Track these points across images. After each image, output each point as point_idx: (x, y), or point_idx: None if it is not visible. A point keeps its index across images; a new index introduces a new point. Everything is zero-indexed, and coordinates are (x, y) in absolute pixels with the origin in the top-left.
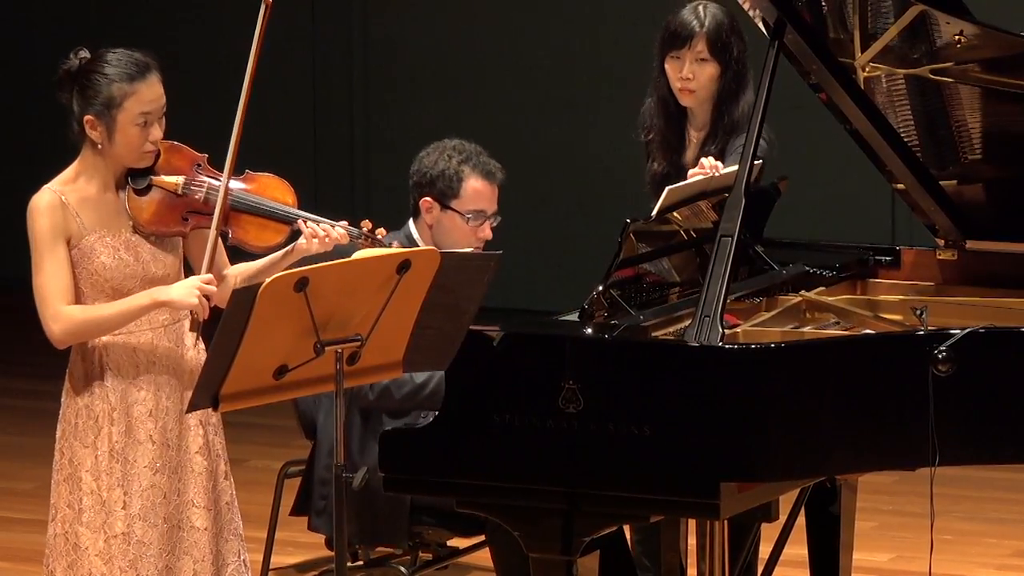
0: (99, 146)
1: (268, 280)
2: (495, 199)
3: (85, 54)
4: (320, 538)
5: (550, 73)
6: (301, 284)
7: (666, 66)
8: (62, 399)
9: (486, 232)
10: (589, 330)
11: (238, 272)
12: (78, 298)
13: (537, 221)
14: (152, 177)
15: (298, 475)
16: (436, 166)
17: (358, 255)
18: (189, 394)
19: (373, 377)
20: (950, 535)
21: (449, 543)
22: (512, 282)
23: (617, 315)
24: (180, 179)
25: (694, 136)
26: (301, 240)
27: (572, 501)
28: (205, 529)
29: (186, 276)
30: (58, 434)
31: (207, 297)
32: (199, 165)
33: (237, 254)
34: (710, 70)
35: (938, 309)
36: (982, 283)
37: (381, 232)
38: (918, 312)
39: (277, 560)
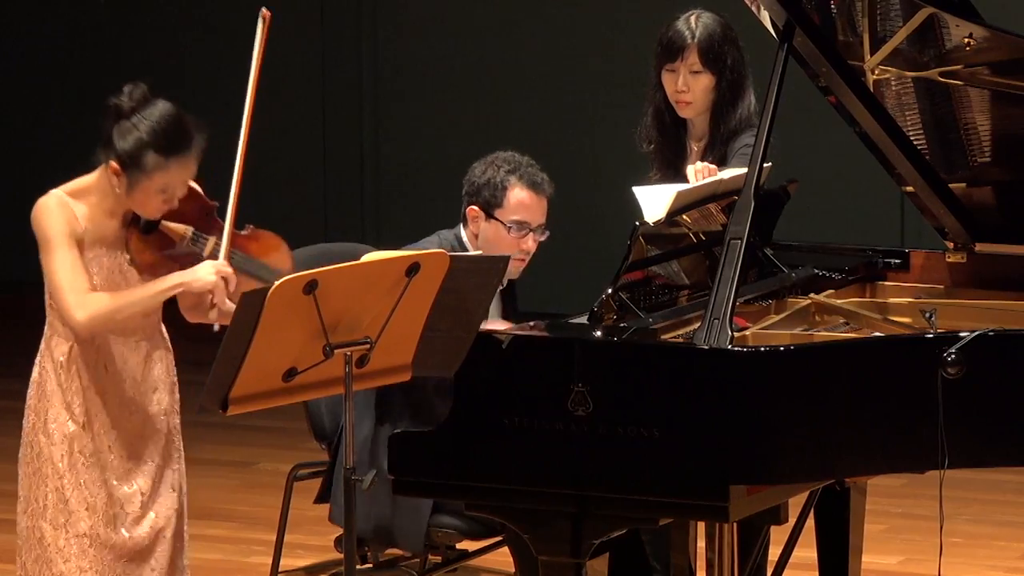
0: (117, 190)
1: (277, 283)
2: (542, 212)
3: (142, 92)
4: (330, 540)
5: (558, 80)
6: (310, 287)
7: (663, 78)
8: (30, 392)
9: (528, 244)
10: (598, 333)
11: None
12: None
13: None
14: (162, 221)
15: (308, 477)
16: (484, 175)
17: (367, 258)
18: (156, 406)
19: (382, 380)
20: (959, 538)
21: (459, 545)
22: (521, 284)
23: (626, 318)
24: (189, 230)
25: (695, 147)
26: None
27: (581, 504)
28: (170, 537)
29: (169, 311)
30: (28, 427)
31: (225, 280)
32: (208, 215)
33: None
34: (705, 81)
35: (947, 312)
36: (991, 286)
37: None
38: (927, 315)
39: (287, 563)
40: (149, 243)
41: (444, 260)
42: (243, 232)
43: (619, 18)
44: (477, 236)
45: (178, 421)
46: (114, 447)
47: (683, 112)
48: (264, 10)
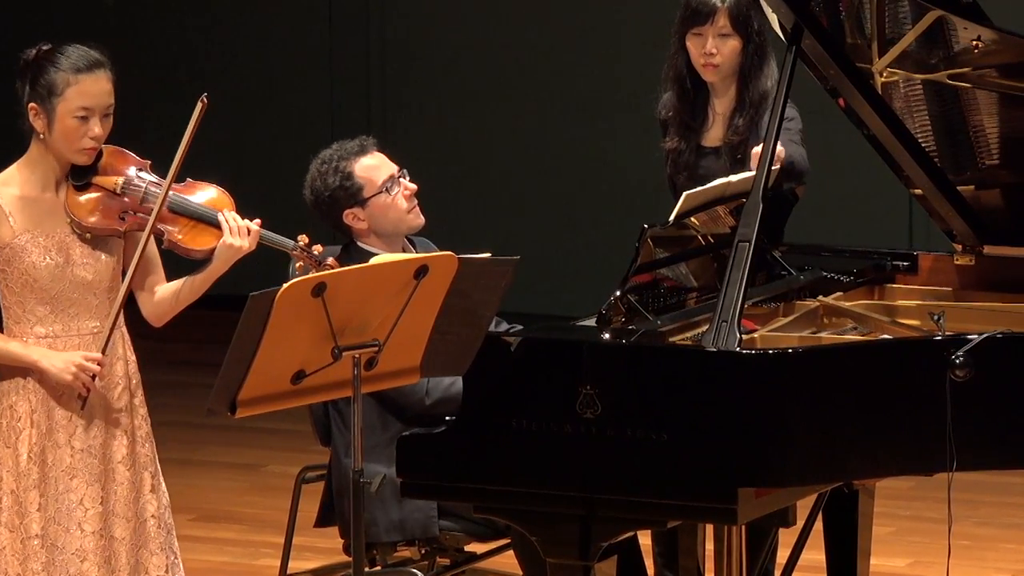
0: (41, 136)
1: (286, 285)
2: (390, 162)
3: (46, 46)
4: (338, 543)
5: (567, 77)
6: (319, 289)
7: (688, 44)
8: None
9: (410, 188)
10: (607, 335)
11: (168, 290)
12: (9, 299)
13: (554, 225)
14: (92, 177)
15: (316, 480)
16: (327, 185)
17: (375, 260)
18: (117, 404)
19: (391, 382)
20: (967, 540)
21: (467, 548)
22: (529, 287)
23: (635, 320)
24: (119, 179)
25: (719, 111)
26: (223, 239)
27: (589, 506)
28: (123, 539)
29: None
30: None
31: (93, 376)
32: (140, 169)
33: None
34: (733, 44)
35: (956, 314)
36: (1000, 288)
37: (318, 248)
38: (935, 317)
39: (295, 566)
40: (84, 199)
41: (452, 262)
42: (180, 184)
43: (633, 14)
44: (369, 229)
45: (147, 426)
46: (74, 441)
47: (708, 75)
48: (204, 97)
